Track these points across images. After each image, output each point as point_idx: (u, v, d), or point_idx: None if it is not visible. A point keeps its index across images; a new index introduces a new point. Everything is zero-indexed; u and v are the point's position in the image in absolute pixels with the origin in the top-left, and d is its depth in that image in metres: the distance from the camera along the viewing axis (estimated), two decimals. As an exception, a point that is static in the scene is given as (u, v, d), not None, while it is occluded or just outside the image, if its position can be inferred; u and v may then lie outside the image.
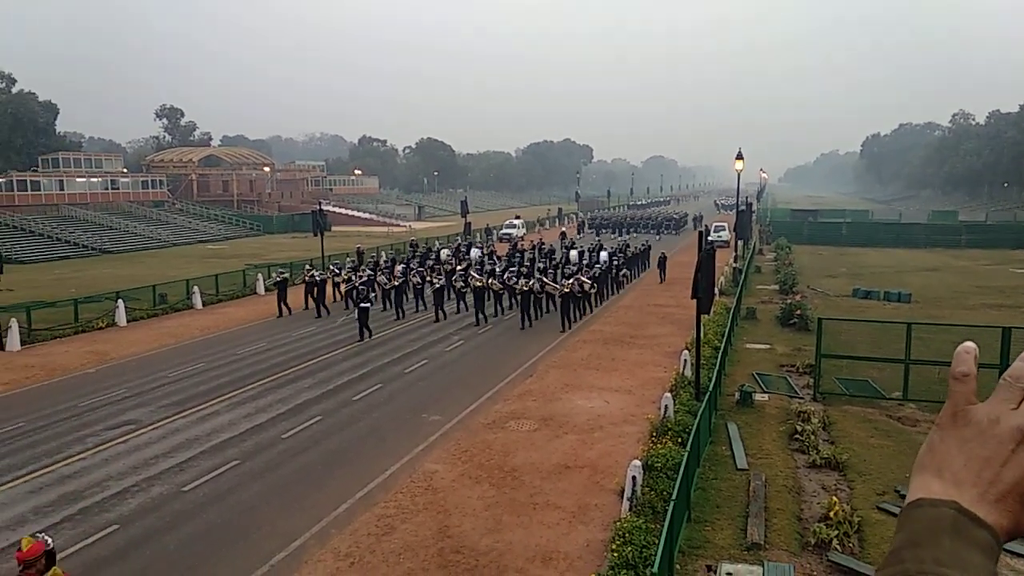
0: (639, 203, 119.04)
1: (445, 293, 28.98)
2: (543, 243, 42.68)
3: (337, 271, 32.36)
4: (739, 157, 39.41)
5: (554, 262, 36.00)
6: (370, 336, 24.36)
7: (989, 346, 16.74)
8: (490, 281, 28.62)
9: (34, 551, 6.61)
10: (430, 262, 35.51)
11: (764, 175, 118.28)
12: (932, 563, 0.79)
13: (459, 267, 33.37)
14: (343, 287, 30.60)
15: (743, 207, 46.04)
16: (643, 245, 45.23)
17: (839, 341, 20.36)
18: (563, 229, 63.51)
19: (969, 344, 0.90)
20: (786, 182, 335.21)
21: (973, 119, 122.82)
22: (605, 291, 32.47)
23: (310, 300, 29.45)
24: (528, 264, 33.79)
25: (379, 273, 31.03)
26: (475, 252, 40.77)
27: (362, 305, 24.43)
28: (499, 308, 28.89)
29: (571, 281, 26.97)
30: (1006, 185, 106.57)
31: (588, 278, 28.55)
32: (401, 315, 28.53)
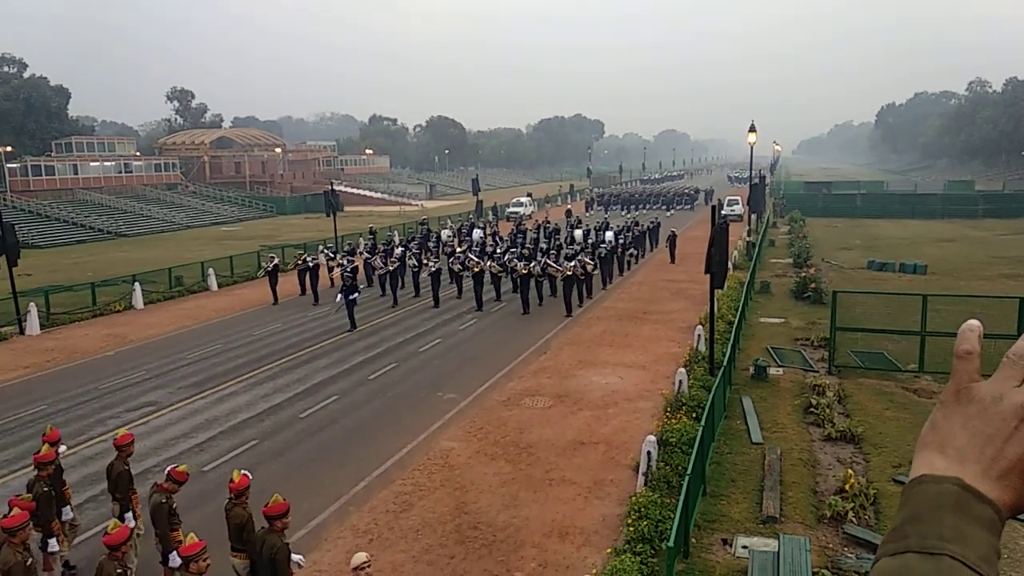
0: (653, 177, 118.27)
1: (441, 277, 27.40)
2: (548, 222, 41.31)
3: (332, 255, 30.77)
4: (752, 130, 39.02)
5: (557, 243, 34.51)
6: (353, 328, 23.05)
7: (1006, 317, 16.65)
8: (489, 263, 27.34)
9: (243, 483, 8.34)
10: (430, 244, 34.07)
11: (777, 147, 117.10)
12: (935, 539, 0.80)
13: (459, 249, 32.11)
14: (337, 271, 28.55)
15: (756, 180, 45.65)
16: (652, 222, 43.56)
17: (854, 314, 20.30)
18: (568, 207, 62.12)
19: (973, 322, 0.91)
20: (800, 154, 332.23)
21: (990, 87, 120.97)
22: (610, 272, 31.15)
23: (306, 286, 28.47)
24: (531, 245, 32.73)
25: (376, 257, 29.73)
26: (477, 233, 39.58)
27: (350, 297, 23.06)
28: (498, 292, 27.59)
29: (573, 264, 25.75)
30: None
31: (591, 258, 27.49)
32: (394, 302, 27.02)
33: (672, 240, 36.02)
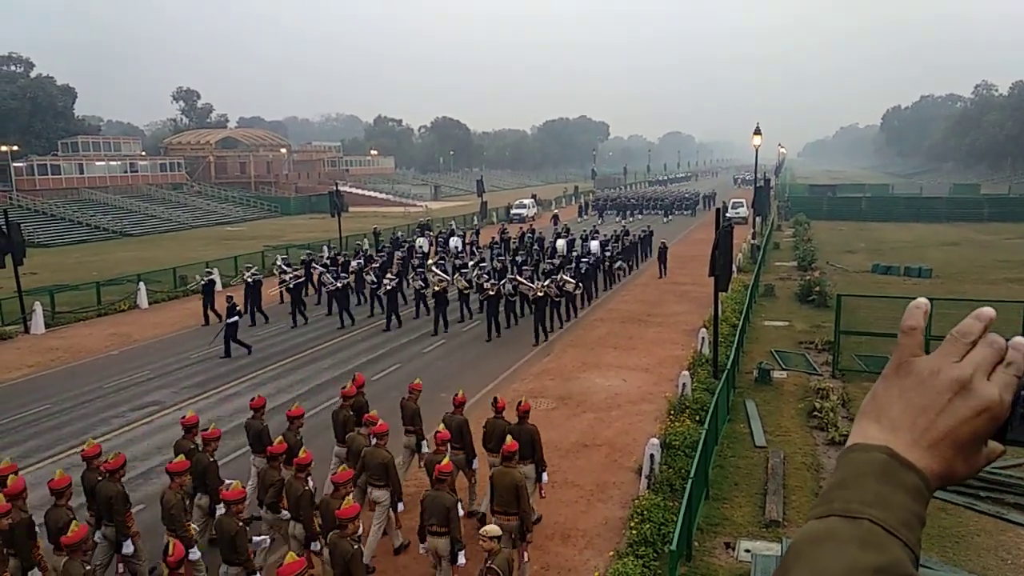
0: (660, 179, 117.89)
1: (399, 295, 24.31)
2: (533, 230, 37.91)
3: (285, 269, 26.53)
4: (757, 132, 38.98)
5: (534, 258, 31.53)
6: (249, 352, 20.62)
7: (1010, 321, 16.60)
8: (455, 278, 24.49)
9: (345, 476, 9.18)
10: (399, 253, 30.18)
11: (783, 150, 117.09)
12: (857, 503, 0.84)
13: (430, 260, 29.42)
14: (291, 284, 24.81)
15: (761, 183, 45.60)
16: (644, 231, 39.72)
17: (858, 317, 20.25)
18: (555, 212, 57.94)
19: (922, 300, 0.97)
20: (805, 157, 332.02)
21: (996, 90, 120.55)
22: (594, 288, 27.78)
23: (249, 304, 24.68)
24: (508, 256, 30.29)
25: (326, 272, 26.00)
26: (454, 241, 36.45)
27: (228, 320, 20.41)
28: (465, 312, 24.33)
29: (548, 283, 22.56)
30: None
31: (572, 274, 24.62)
32: (351, 322, 24.08)
33: (663, 252, 32.56)
